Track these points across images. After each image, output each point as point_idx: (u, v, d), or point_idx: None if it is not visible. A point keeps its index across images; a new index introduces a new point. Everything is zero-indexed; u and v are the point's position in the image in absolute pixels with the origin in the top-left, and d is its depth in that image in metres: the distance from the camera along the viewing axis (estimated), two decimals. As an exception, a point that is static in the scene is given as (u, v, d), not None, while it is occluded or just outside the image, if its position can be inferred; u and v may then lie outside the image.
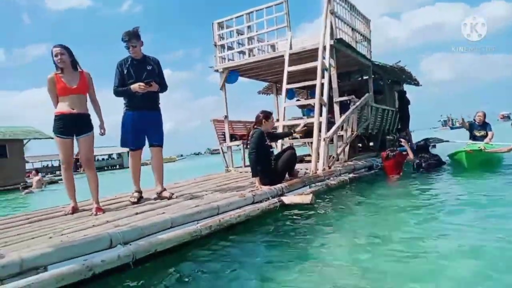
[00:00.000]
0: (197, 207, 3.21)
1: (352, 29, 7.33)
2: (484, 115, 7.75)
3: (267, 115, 4.85)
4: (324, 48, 6.18)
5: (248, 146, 4.65)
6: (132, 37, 3.79)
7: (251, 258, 2.60)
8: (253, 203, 3.65)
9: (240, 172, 7.27)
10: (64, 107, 3.55)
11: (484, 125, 7.67)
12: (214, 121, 7.79)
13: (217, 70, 7.67)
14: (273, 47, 8.46)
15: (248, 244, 2.94)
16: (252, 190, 4.02)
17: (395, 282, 2.00)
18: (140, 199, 4.15)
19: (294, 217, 3.64)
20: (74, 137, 3.66)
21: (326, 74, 6.08)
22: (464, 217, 3.19)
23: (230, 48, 7.74)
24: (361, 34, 7.88)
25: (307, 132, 7.92)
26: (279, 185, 4.17)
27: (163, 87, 4.09)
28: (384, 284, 2.00)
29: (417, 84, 11.48)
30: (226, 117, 7.72)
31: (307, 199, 3.74)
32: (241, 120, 8.73)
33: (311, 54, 6.65)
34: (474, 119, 7.94)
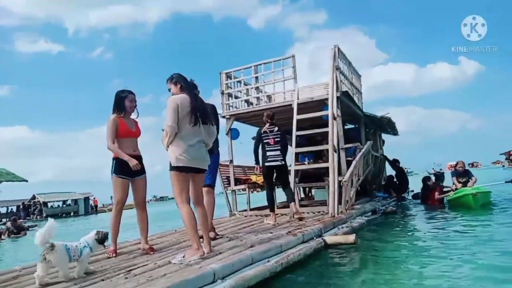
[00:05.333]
0: (264, 244, 3.35)
1: (350, 83, 8.06)
2: (464, 164, 8.76)
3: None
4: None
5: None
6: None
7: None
8: (302, 242, 3.82)
9: (245, 216, 7.35)
10: (125, 149, 3.71)
11: (466, 172, 8.58)
12: (219, 166, 7.93)
13: (224, 117, 7.98)
14: (269, 97, 9.02)
15: (315, 280, 3.11)
16: (297, 230, 4.19)
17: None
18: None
19: (340, 254, 3.89)
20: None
21: (335, 122, 6.58)
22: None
23: (236, 97, 8.16)
24: (355, 88, 8.64)
25: (306, 177, 8.26)
26: (317, 226, 4.38)
27: None
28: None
29: (395, 133, 12.45)
30: (231, 161, 7.92)
31: (350, 239, 3.97)
32: (240, 165, 8.95)
33: (316, 104, 7.20)
34: (455, 168, 8.90)
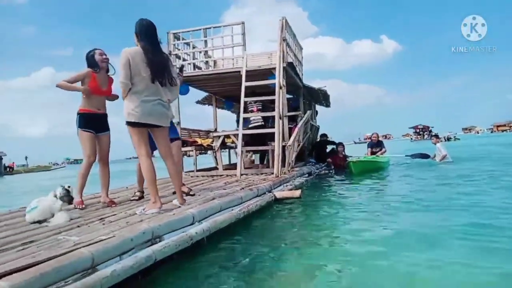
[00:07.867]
0: (227, 196, 3.75)
1: (294, 54, 8.53)
2: (378, 136, 10.20)
3: None
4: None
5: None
6: None
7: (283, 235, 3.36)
8: (257, 196, 4.30)
9: (192, 176, 7.65)
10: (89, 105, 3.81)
11: (379, 143, 9.99)
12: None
13: (171, 78, 7.95)
14: (214, 62, 9.14)
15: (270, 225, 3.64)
16: (249, 187, 4.65)
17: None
18: (141, 198, 4.37)
19: (287, 205, 4.49)
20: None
21: (281, 92, 7.04)
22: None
23: (184, 59, 8.14)
24: (298, 59, 9.15)
25: (248, 142, 8.72)
26: (268, 183, 4.90)
27: None
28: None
29: (328, 105, 13.45)
30: (178, 123, 8.00)
31: (296, 194, 4.57)
32: (186, 127, 9.06)
33: (262, 73, 7.56)
34: (371, 139, 10.39)
